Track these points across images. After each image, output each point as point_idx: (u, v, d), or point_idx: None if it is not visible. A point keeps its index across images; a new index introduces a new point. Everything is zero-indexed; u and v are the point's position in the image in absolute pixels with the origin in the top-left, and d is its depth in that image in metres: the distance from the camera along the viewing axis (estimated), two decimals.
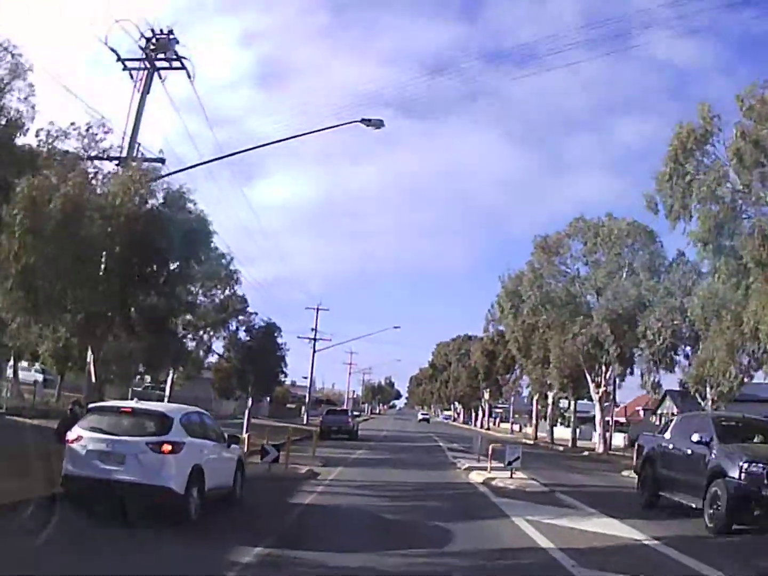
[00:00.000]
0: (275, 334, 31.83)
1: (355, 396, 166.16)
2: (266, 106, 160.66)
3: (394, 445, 36.12)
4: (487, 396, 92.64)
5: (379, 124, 18.91)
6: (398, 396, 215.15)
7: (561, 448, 47.26)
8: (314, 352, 60.87)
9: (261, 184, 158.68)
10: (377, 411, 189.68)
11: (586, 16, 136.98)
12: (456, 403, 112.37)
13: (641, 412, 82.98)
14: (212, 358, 36.15)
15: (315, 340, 60.95)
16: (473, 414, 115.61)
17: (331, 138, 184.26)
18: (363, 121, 18.75)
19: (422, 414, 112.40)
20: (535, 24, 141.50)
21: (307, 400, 62.25)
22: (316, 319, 61.00)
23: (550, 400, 49.28)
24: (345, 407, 57.89)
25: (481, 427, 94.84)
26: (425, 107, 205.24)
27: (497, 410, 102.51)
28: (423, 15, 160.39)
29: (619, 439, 60.27)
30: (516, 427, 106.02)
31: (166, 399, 30.23)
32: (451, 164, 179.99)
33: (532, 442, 56.22)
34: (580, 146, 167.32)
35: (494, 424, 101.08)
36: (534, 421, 61.32)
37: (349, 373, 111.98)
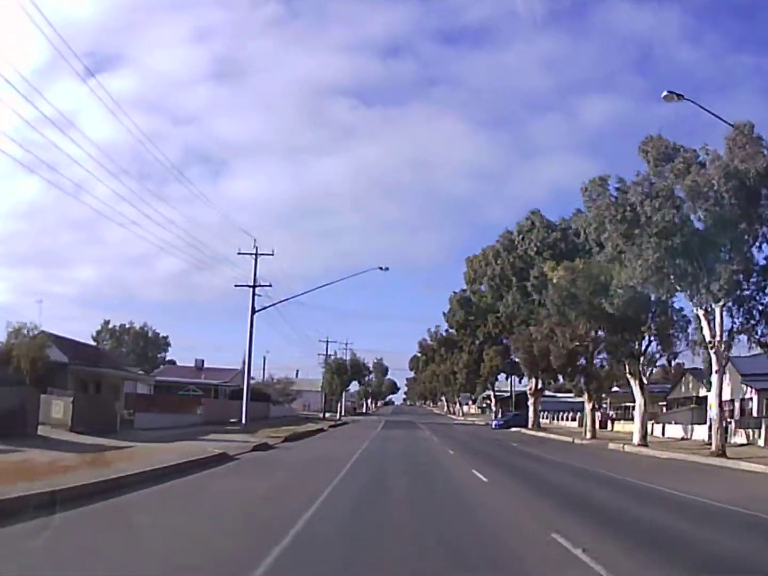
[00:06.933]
0: None
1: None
2: (228, 101, 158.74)
3: None
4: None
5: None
6: (395, 389, 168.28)
7: None
8: None
9: (228, 182, 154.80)
10: (365, 410, 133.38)
11: None
12: (542, 381, 62.76)
13: None
14: None
15: None
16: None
17: (295, 132, 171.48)
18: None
19: None
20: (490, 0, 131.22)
21: None
22: None
23: None
24: None
25: (644, 441, 35.25)
26: (385, 94, 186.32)
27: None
28: None
29: None
30: (673, 432, 57.66)
31: None
32: (416, 153, 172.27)
33: None
34: (548, 128, 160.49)
35: (608, 427, 57.39)
36: None
37: (253, 308, 39.83)
